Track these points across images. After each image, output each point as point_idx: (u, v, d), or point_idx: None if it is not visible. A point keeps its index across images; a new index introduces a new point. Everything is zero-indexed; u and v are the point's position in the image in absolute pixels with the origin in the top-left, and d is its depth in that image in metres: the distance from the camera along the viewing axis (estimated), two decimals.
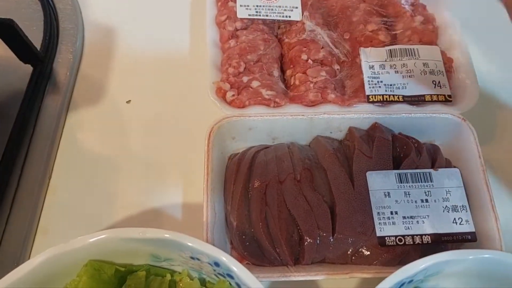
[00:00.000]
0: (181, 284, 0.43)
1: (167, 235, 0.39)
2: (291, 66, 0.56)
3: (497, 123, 0.58)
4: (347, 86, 0.56)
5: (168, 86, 0.58)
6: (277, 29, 0.60)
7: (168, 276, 0.42)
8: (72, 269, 0.40)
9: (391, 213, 0.46)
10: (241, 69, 0.54)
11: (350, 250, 0.46)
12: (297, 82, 0.55)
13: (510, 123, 0.58)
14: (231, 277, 0.39)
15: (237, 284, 0.39)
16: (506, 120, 0.58)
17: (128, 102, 0.58)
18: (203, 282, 0.43)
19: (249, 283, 0.37)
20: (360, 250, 0.46)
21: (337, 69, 0.56)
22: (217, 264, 0.39)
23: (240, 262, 0.46)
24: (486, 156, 0.53)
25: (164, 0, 0.65)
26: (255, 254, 0.46)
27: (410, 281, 0.40)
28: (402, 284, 0.39)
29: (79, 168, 0.53)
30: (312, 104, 0.53)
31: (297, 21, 0.58)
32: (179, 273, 0.43)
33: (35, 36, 0.59)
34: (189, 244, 0.38)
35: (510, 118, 0.58)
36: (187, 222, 0.50)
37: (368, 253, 0.45)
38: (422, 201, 0.47)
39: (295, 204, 0.47)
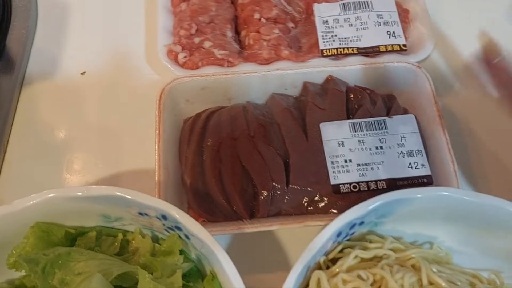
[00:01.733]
0: (133, 242, 0.42)
1: (110, 191, 0.38)
2: (245, 26, 0.56)
3: (456, 72, 0.57)
4: (303, 44, 0.55)
5: (121, 54, 0.58)
6: None
7: (120, 236, 0.42)
8: (20, 232, 0.39)
9: (345, 161, 0.46)
10: (193, 31, 0.53)
11: (305, 200, 0.45)
12: (251, 42, 0.54)
13: (468, 71, 0.57)
14: (180, 229, 0.39)
15: (186, 236, 0.39)
16: (464, 69, 0.57)
17: (83, 73, 0.57)
18: (156, 239, 0.43)
19: (195, 232, 0.37)
20: (315, 199, 0.45)
21: (292, 27, 0.55)
22: (164, 217, 0.38)
23: (197, 220, 0.46)
24: (445, 103, 0.53)
25: None
26: (210, 211, 0.45)
27: (362, 223, 0.39)
28: (353, 226, 0.39)
29: (34, 141, 0.53)
30: (267, 62, 0.52)
31: None
32: (132, 232, 0.43)
33: None
34: (130, 197, 0.37)
35: (468, 66, 0.57)
36: (144, 186, 0.49)
37: (323, 201, 0.45)
38: (376, 148, 0.47)
39: (249, 159, 0.46)
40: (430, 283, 0.35)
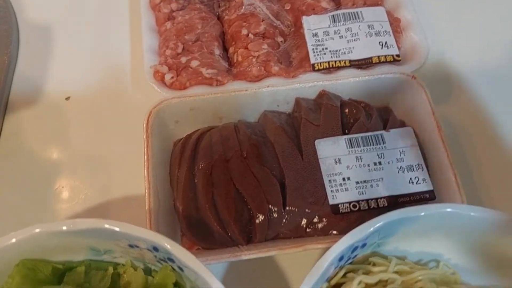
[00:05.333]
0: (125, 276, 0.40)
1: (97, 224, 0.36)
2: (233, 43, 0.54)
3: (452, 80, 0.56)
4: (293, 58, 0.54)
5: (107, 77, 0.56)
6: (217, 8, 0.57)
7: (110, 269, 0.40)
8: (4, 271, 0.37)
9: (343, 179, 0.44)
10: (179, 50, 0.52)
11: (304, 222, 0.43)
12: (239, 58, 0.52)
13: (464, 79, 0.56)
14: (172, 260, 0.37)
15: (179, 268, 0.37)
16: (460, 77, 0.56)
17: (68, 98, 0.55)
18: (148, 271, 0.41)
19: (189, 263, 0.35)
20: (313, 220, 0.43)
21: (281, 41, 0.54)
22: (155, 248, 0.37)
23: (191, 248, 0.45)
24: (442, 113, 0.52)
25: None
26: (205, 238, 0.43)
27: (364, 245, 0.37)
28: (355, 249, 0.37)
29: (19, 171, 0.51)
30: (257, 79, 0.51)
31: None
32: (123, 265, 0.40)
33: None
34: (118, 229, 0.35)
35: (464, 74, 0.56)
36: (135, 214, 0.47)
37: (322, 223, 0.43)
38: (375, 164, 0.45)
39: (243, 181, 0.44)
40: None
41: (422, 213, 0.36)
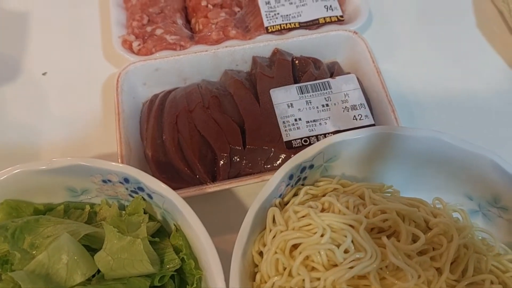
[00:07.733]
0: (101, 212, 0.44)
1: (73, 161, 0.40)
2: (194, 14, 0.59)
3: (392, 38, 0.62)
4: (249, 25, 0.59)
5: (81, 52, 0.61)
6: None
7: (88, 207, 0.44)
8: None
9: (295, 120, 0.49)
10: (145, 22, 0.57)
11: (262, 158, 0.48)
12: (200, 27, 0.58)
13: (403, 37, 0.62)
14: (142, 189, 0.41)
15: (149, 196, 0.41)
16: (401, 35, 0.62)
17: (44, 74, 0.59)
18: (122, 208, 0.45)
19: (155, 187, 0.39)
20: (270, 156, 0.48)
21: (238, 10, 0.59)
22: (126, 180, 0.41)
23: None
24: (384, 66, 0.57)
25: None
26: (173, 179, 0.48)
27: (311, 166, 0.42)
28: (303, 169, 0.41)
29: (5, 138, 0.54)
30: (216, 43, 0.56)
31: None
32: (99, 204, 0.44)
33: None
34: (91, 165, 0.39)
35: (404, 32, 0.62)
36: None
37: (279, 158, 0.48)
38: (323, 106, 0.50)
39: (206, 127, 0.49)
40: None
41: (360, 135, 0.41)
